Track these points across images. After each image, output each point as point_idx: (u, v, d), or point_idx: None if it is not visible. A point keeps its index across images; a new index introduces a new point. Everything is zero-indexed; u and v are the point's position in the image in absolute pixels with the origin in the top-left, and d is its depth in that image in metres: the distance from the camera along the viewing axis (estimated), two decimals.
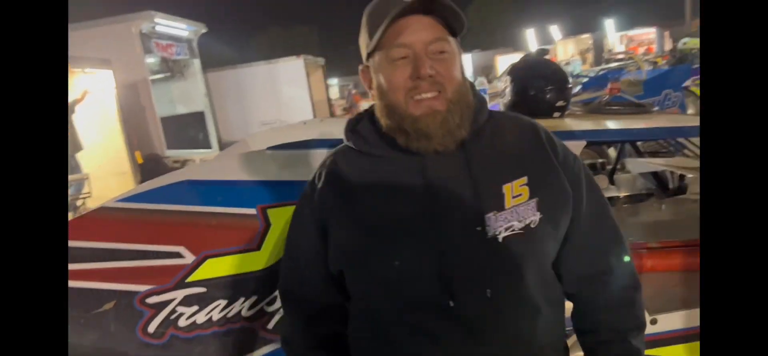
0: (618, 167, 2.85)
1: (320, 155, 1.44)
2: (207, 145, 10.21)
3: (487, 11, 53.53)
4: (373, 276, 0.98)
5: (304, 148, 1.51)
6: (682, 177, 2.73)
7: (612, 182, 2.69)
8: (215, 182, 1.39)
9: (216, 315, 1.30)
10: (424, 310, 0.95)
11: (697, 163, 2.72)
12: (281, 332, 1.16)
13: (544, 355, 1.00)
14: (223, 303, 1.30)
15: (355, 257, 1.00)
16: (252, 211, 1.35)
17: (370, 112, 1.08)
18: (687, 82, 7.82)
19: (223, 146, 10.27)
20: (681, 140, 2.99)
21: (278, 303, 1.31)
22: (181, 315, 1.28)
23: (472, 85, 1.04)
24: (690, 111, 7.09)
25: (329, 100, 14.64)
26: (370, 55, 1.01)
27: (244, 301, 1.31)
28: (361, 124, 1.08)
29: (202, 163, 1.51)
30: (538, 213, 0.96)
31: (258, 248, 1.32)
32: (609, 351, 1.03)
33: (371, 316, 1.02)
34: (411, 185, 0.97)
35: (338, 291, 1.07)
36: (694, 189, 2.35)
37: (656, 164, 2.69)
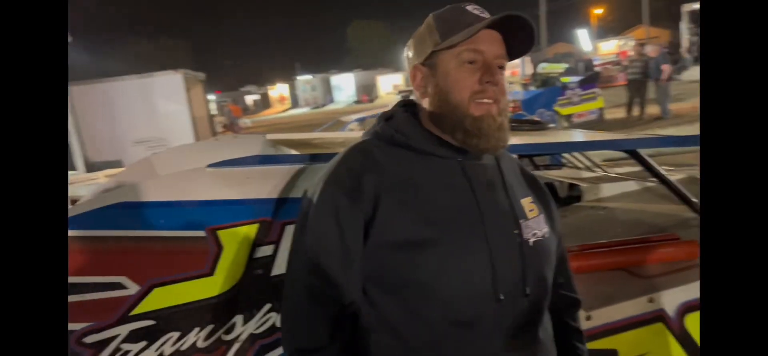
0: None
1: (270, 173, 1.39)
2: (70, 167, 9.16)
3: (367, 32, 55.07)
4: (433, 266, 0.96)
5: (247, 165, 1.44)
6: (571, 186, 3.03)
7: None
8: (156, 203, 1.27)
9: (168, 350, 1.17)
10: (476, 303, 0.98)
11: (586, 174, 3.05)
12: (295, 342, 1.01)
13: (551, 342, 1.10)
14: (175, 335, 1.18)
15: (412, 249, 0.96)
16: (201, 233, 1.25)
17: (403, 109, 1.10)
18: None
19: (90, 167, 9.30)
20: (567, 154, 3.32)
21: (237, 330, 1.23)
22: (127, 352, 1.14)
23: None
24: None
25: (210, 116, 13.97)
26: (431, 55, 1.03)
27: (199, 331, 1.20)
28: (396, 119, 1.08)
29: (134, 184, 1.36)
30: (547, 227, 1.09)
31: (211, 273, 1.23)
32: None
33: (416, 314, 0.98)
34: (459, 184, 1.02)
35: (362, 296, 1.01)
36: (589, 197, 2.62)
37: (553, 175, 2.97)
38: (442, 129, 1.04)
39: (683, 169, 2.98)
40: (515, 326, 1.00)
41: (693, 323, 1.56)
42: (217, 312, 1.22)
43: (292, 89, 44.69)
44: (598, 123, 11.21)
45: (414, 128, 1.06)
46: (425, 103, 1.06)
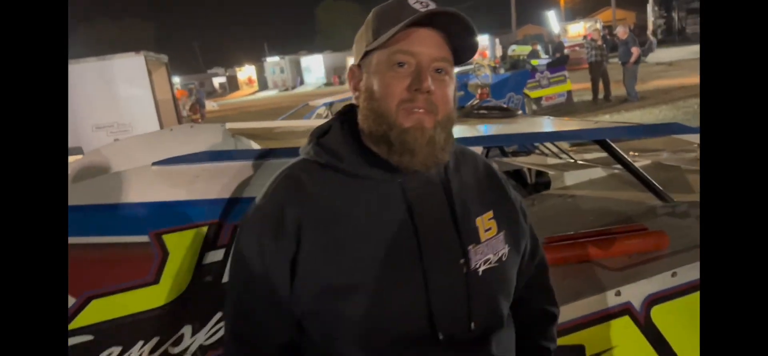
0: None
1: (220, 171, 1.30)
2: None
3: (336, 12, 54.35)
4: (359, 315, 0.88)
5: (196, 162, 1.34)
6: (539, 173, 3.02)
7: None
8: (94, 207, 1.17)
9: None
10: (413, 347, 0.90)
11: (554, 160, 3.04)
12: None
13: None
14: (116, 351, 1.09)
15: (339, 294, 0.88)
16: (144, 239, 1.16)
17: (340, 121, 0.98)
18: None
19: None
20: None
21: (185, 342, 1.15)
22: None
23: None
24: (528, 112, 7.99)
25: (175, 99, 13.58)
26: (365, 54, 0.92)
27: (143, 345, 1.11)
28: (329, 136, 0.97)
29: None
30: (506, 246, 0.99)
31: (156, 281, 1.14)
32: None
33: None
34: (395, 215, 0.91)
35: (297, 333, 0.94)
36: (556, 184, 2.61)
37: (521, 162, 2.94)
38: (375, 144, 0.92)
39: (648, 155, 2.99)
40: None
41: (658, 315, 1.55)
42: (163, 323, 1.14)
43: (260, 71, 43.92)
44: (566, 105, 11.34)
45: (348, 148, 0.94)
46: (359, 111, 0.95)
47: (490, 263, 0.95)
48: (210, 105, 21.61)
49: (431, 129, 0.89)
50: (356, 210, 0.91)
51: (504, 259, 0.98)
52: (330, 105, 7.37)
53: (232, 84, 46.33)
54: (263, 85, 43.09)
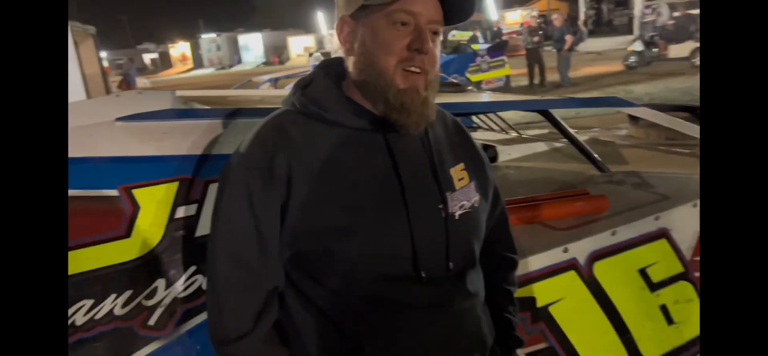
0: None
1: (188, 128, 1.29)
2: None
3: None
4: (348, 254, 0.92)
5: (163, 119, 1.33)
6: (486, 147, 3.15)
7: None
8: None
9: (80, 319, 1.07)
10: (399, 283, 0.95)
11: (501, 135, 3.18)
12: (219, 331, 0.96)
13: (482, 306, 1.10)
14: (88, 303, 1.08)
15: (329, 235, 0.92)
16: (114, 192, 1.14)
17: (323, 72, 1.00)
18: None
19: None
20: (477, 117, 3.44)
21: (159, 295, 1.14)
22: None
23: None
24: None
25: (104, 73, 12.84)
26: (361, 9, 0.93)
27: (116, 298, 1.10)
28: (313, 86, 0.99)
29: None
30: (477, 194, 1.07)
31: (127, 235, 1.13)
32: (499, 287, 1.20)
33: (340, 295, 0.96)
34: (380, 164, 0.96)
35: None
36: (502, 158, 2.74)
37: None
38: (365, 96, 0.96)
39: (586, 132, 3.19)
40: (440, 301, 1.00)
41: (600, 270, 1.70)
42: (136, 276, 1.13)
43: (196, 48, 42.22)
44: (505, 89, 11.73)
45: (333, 98, 0.98)
46: (350, 63, 0.98)
47: (465, 208, 1.03)
48: (141, 81, 20.60)
49: (424, 90, 0.93)
50: (344, 158, 0.95)
51: (476, 205, 1.06)
52: (275, 81, 7.25)
53: (165, 61, 44.30)
54: (198, 62, 41.50)
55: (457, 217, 1.01)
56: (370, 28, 0.94)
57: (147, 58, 44.20)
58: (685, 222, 1.90)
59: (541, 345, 1.61)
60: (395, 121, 0.94)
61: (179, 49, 44.31)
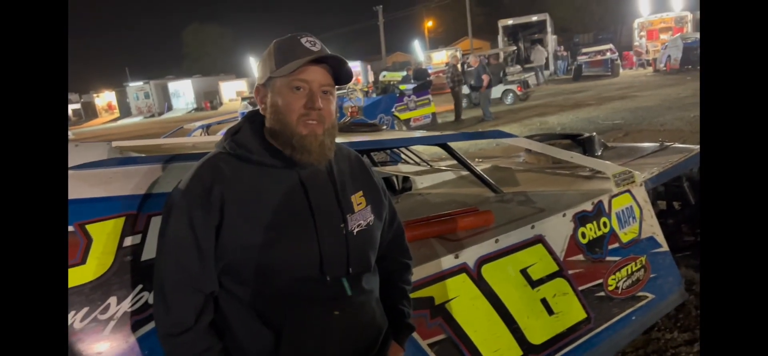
0: None
1: (132, 172, 1.54)
2: None
3: (204, 35, 52.50)
4: (270, 262, 1.20)
5: (109, 166, 1.57)
6: (405, 179, 3.52)
7: None
8: None
9: None
10: (309, 284, 1.24)
11: (416, 168, 3.56)
12: (166, 326, 1.21)
13: (376, 301, 1.40)
14: None
15: (255, 248, 1.20)
16: (71, 228, 1.37)
17: (249, 122, 1.30)
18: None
19: None
20: (398, 150, 3.83)
21: (112, 310, 1.37)
22: None
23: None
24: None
25: None
26: (269, 79, 1.24)
27: (75, 314, 1.32)
28: (241, 134, 1.28)
29: None
30: (372, 215, 1.36)
31: (83, 262, 1.36)
32: (394, 287, 1.50)
33: (262, 294, 1.23)
34: (295, 192, 1.25)
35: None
36: (417, 186, 3.10)
37: (389, 170, 3.42)
38: (277, 142, 1.25)
39: (490, 160, 3.65)
40: (342, 297, 1.28)
41: (487, 271, 2.06)
42: (92, 295, 1.35)
43: (122, 96, 40.92)
44: (431, 126, 12.37)
45: (257, 143, 1.26)
46: (266, 117, 1.27)
47: (361, 226, 1.33)
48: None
49: (321, 135, 1.25)
50: (265, 189, 1.24)
51: (371, 224, 1.36)
52: (207, 127, 7.39)
53: (89, 111, 42.55)
54: (126, 111, 40.17)
55: (355, 233, 1.31)
56: (277, 93, 1.24)
57: (69, 108, 42.34)
58: (557, 229, 2.32)
59: (441, 336, 1.93)
60: (300, 159, 1.25)
61: (105, 98, 42.87)
